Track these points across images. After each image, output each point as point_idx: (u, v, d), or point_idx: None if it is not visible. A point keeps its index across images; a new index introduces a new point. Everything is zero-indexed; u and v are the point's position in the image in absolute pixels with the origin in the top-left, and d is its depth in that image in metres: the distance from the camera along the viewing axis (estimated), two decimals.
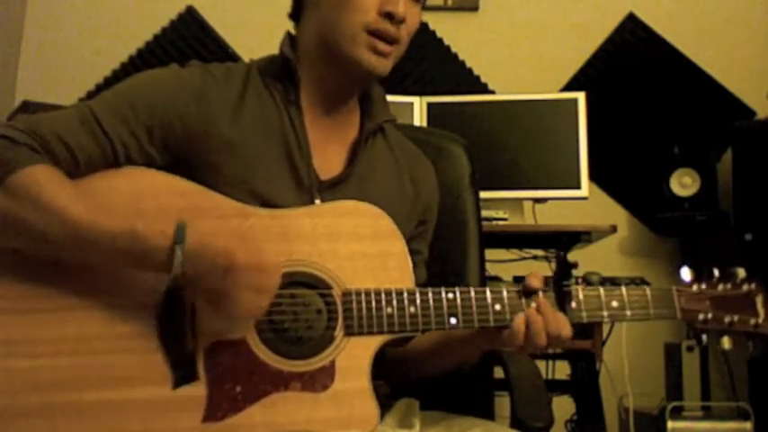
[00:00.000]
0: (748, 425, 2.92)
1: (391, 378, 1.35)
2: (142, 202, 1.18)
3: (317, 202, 1.27)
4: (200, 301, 1.13)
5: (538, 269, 2.90)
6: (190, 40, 3.59)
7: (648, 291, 1.27)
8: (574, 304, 1.25)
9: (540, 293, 1.23)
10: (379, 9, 1.25)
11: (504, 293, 1.24)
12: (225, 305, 1.10)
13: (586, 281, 2.65)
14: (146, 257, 1.09)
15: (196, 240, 1.09)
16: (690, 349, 3.07)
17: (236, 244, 1.10)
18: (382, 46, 1.26)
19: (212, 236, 1.11)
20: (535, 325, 1.20)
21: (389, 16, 1.24)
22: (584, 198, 2.87)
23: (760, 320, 1.27)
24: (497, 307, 1.23)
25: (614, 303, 1.26)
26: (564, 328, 1.21)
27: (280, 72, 1.33)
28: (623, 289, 1.26)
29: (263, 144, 1.27)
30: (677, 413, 2.97)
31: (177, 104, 1.23)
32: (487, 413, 1.56)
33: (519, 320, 1.21)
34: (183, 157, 1.23)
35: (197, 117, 1.24)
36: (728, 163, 3.26)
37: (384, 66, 1.28)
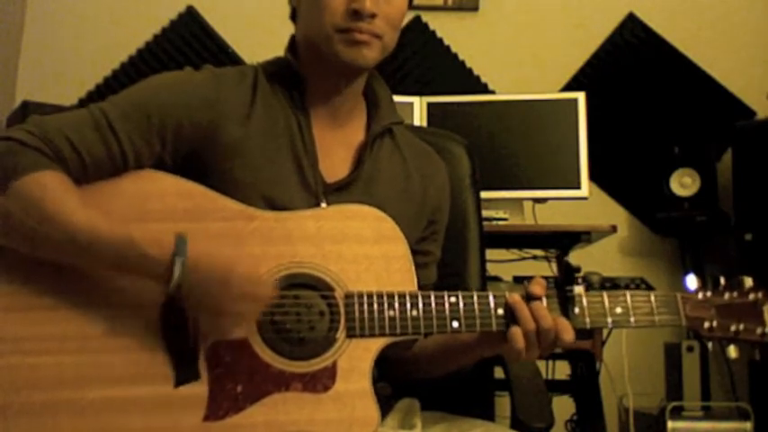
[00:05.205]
0: (748, 425, 2.92)
1: (394, 379, 1.36)
2: (148, 203, 1.19)
3: (323, 205, 1.27)
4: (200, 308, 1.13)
5: (538, 269, 2.91)
6: (190, 40, 3.58)
7: (653, 297, 1.25)
8: (577, 310, 1.24)
9: (544, 299, 1.23)
10: (346, 7, 1.24)
11: (507, 298, 1.23)
12: (221, 313, 1.12)
13: (586, 281, 2.66)
14: (143, 267, 1.11)
15: (197, 252, 1.10)
16: (690, 349, 3.07)
17: (235, 255, 1.11)
18: (356, 36, 1.25)
19: (213, 245, 1.12)
20: (530, 334, 1.20)
21: (357, 14, 1.24)
22: (585, 198, 2.87)
23: (767, 329, 1.25)
24: (500, 311, 1.23)
25: (618, 310, 1.25)
26: (566, 332, 1.21)
27: (285, 75, 1.33)
28: (627, 295, 1.25)
29: (272, 148, 1.27)
30: (677, 413, 2.97)
31: (189, 108, 1.24)
32: (488, 413, 1.57)
33: (516, 333, 1.20)
34: (194, 159, 1.24)
35: (208, 122, 1.24)
36: (728, 163, 3.27)
37: (364, 56, 1.26)
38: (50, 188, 1.11)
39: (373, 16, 1.24)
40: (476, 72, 3.59)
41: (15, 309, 1.11)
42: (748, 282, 1.27)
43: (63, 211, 1.10)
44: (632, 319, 1.25)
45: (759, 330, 1.25)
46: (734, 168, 3.21)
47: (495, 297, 1.23)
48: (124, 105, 1.22)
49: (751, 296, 1.27)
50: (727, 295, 1.27)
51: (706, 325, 1.26)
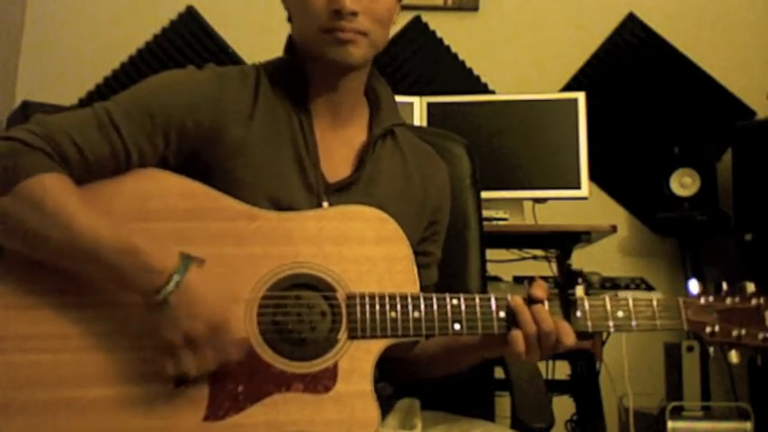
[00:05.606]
0: (748, 425, 2.92)
1: (395, 380, 1.36)
2: (149, 203, 1.19)
3: (325, 205, 1.27)
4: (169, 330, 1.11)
5: (538, 269, 2.91)
6: (190, 40, 3.58)
7: (655, 301, 1.25)
8: (579, 313, 1.24)
9: (546, 302, 1.23)
10: (328, 8, 1.25)
11: (509, 301, 1.23)
12: (185, 350, 1.09)
13: (586, 281, 2.66)
14: (139, 277, 1.09)
15: (195, 281, 1.10)
16: (690, 349, 3.07)
17: (227, 302, 1.12)
18: (340, 35, 1.25)
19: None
20: (531, 337, 1.20)
21: (338, 13, 1.24)
22: (585, 198, 2.87)
23: None
24: (502, 314, 1.23)
25: (620, 313, 1.24)
26: (567, 336, 1.21)
27: (287, 75, 1.33)
28: (630, 299, 1.25)
29: (274, 147, 1.28)
30: (677, 413, 2.97)
31: (193, 108, 1.24)
32: (488, 413, 1.57)
33: (516, 337, 1.20)
34: (196, 159, 1.24)
35: (211, 121, 1.24)
36: (728, 163, 3.27)
37: (351, 53, 1.26)
38: (54, 190, 1.11)
39: (354, 14, 1.24)
40: (476, 72, 3.59)
41: (16, 307, 1.12)
42: (750, 287, 1.27)
43: (64, 217, 1.10)
44: (634, 323, 1.24)
45: (761, 336, 1.25)
46: (734, 168, 3.21)
47: (496, 299, 1.23)
48: (127, 105, 1.22)
49: (753, 301, 1.26)
50: (729, 300, 1.27)
51: (708, 330, 1.26)
